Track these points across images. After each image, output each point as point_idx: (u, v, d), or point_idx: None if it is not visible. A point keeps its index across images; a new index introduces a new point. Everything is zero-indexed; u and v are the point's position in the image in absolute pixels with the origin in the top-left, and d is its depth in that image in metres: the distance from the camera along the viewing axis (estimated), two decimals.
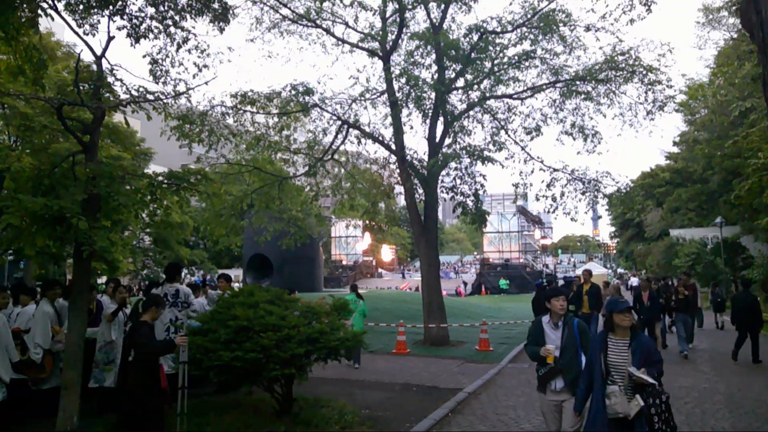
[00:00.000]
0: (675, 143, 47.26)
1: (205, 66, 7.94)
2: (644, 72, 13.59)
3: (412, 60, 14.24)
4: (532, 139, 14.77)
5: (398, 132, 14.27)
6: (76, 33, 6.54)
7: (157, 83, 7.44)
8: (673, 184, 47.11)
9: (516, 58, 14.13)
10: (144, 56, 7.49)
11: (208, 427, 6.11)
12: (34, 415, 7.06)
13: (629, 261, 64.70)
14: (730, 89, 25.35)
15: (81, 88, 6.52)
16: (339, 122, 14.75)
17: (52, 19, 6.40)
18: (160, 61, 7.53)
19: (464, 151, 13.66)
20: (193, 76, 7.80)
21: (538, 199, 14.72)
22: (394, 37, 14.53)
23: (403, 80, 13.45)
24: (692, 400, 8.35)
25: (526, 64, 14.33)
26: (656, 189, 48.95)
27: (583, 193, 14.41)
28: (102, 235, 5.70)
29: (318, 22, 14.93)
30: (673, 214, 46.59)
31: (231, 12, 8.09)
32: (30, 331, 7.09)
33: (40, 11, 6.14)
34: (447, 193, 14.72)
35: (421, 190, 14.97)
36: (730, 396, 8.56)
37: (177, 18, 7.35)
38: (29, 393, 7.17)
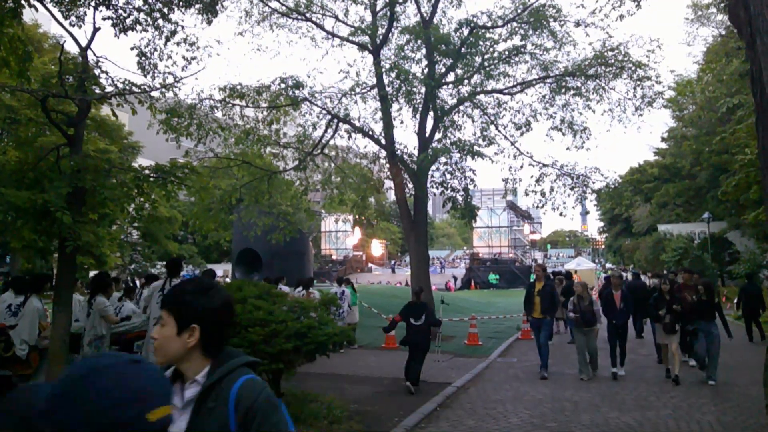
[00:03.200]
0: (663, 139, 47.65)
1: (194, 58, 7.87)
2: (633, 68, 13.65)
3: (402, 54, 14.22)
4: (521, 134, 14.83)
5: (388, 126, 14.24)
6: (60, 24, 6.45)
7: (145, 77, 7.36)
8: (661, 180, 47.46)
9: (506, 53, 14.14)
10: (132, 48, 7.40)
11: None
12: None
13: (617, 256, 65.17)
14: (718, 86, 25.55)
15: (66, 80, 6.43)
16: (329, 116, 14.70)
17: (36, 10, 6.29)
18: (148, 54, 7.44)
19: (454, 146, 13.66)
20: (182, 69, 7.72)
21: (527, 194, 14.77)
22: (384, 31, 14.48)
23: (394, 74, 13.42)
24: (679, 393, 8.42)
25: (516, 59, 14.36)
26: (644, 184, 49.28)
27: (572, 189, 14.47)
28: (87, 229, 5.64)
29: (308, 15, 14.85)
30: (661, 210, 47.00)
31: (219, 4, 8.02)
32: (17, 326, 7.04)
33: (23, 2, 6.04)
34: (437, 187, 14.72)
35: (411, 185, 14.96)
36: (716, 390, 8.64)
37: (165, 10, 7.26)
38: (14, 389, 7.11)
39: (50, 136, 8.69)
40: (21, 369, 6.98)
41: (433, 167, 14.38)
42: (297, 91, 13.85)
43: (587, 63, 13.91)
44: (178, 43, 7.67)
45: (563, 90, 14.31)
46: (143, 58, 7.42)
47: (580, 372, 9.69)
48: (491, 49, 14.10)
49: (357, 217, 19.37)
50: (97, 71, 6.54)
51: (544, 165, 14.61)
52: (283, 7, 14.88)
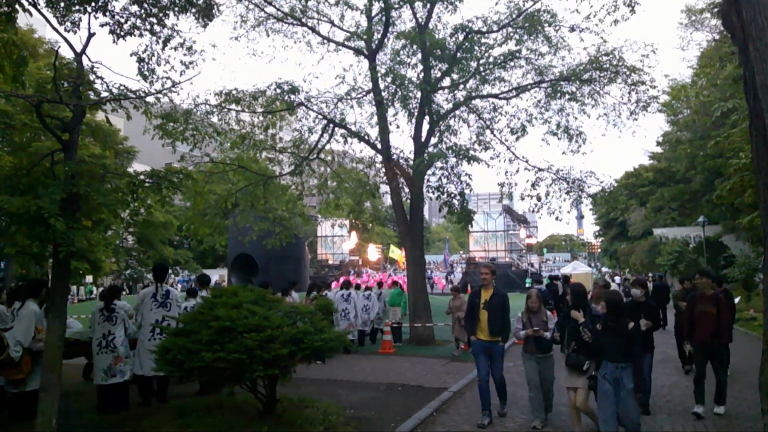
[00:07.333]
0: (658, 143, 47.86)
1: (191, 63, 7.85)
2: (628, 72, 13.69)
3: (398, 59, 14.23)
4: (517, 139, 14.84)
5: (384, 131, 14.25)
6: (55, 29, 6.42)
7: (146, 82, 7.34)
8: (656, 184, 47.65)
9: (501, 58, 14.17)
10: (131, 55, 7.39)
11: (190, 429, 6.03)
12: (15, 417, 6.98)
13: (613, 260, 65.29)
14: (712, 90, 25.64)
15: (61, 85, 6.41)
16: (325, 121, 14.70)
17: (30, 14, 6.28)
18: (146, 59, 7.43)
19: (450, 151, 13.67)
20: (180, 74, 7.71)
21: (523, 199, 14.77)
22: (380, 36, 14.51)
23: (389, 79, 13.42)
24: (674, 398, 8.44)
25: (512, 64, 14.38)
26: (639, 188, 49.48)
27: (567, 193, 14.48)
28: (80, 235, 5.61)
29: (303, 20, 14.86)
30: (656, 214, 47.11)
31: (215, 9, 8.01)
32: (11, 329, 7.04)
33: (18, 6, 6.01)
34: (433, 192, 14.72)
35: (407, 190, 14.97)
36: (711, 394, 8.64)
37: (161, 15, 7.24)
38: (9, 395, 7.12)
39: (45, 142, 8.66)
40: (12, 374, 6.94)
41: (429, 172, 14.40)
42: (293, 96, 13.85)
43: (582, 68, 13.95)
44: (175, 48, 7.65)
45: (558, 94, 14.32)
46: (142, 63, 7.39)
47: (532, 415, 7.13)
48: (486, 54, 14.13)
49: (353, 221, 19.35)
50: (92, 77, 6.53)
51: (540, 169, 14.64)
52: (279, 13, 14.88)
